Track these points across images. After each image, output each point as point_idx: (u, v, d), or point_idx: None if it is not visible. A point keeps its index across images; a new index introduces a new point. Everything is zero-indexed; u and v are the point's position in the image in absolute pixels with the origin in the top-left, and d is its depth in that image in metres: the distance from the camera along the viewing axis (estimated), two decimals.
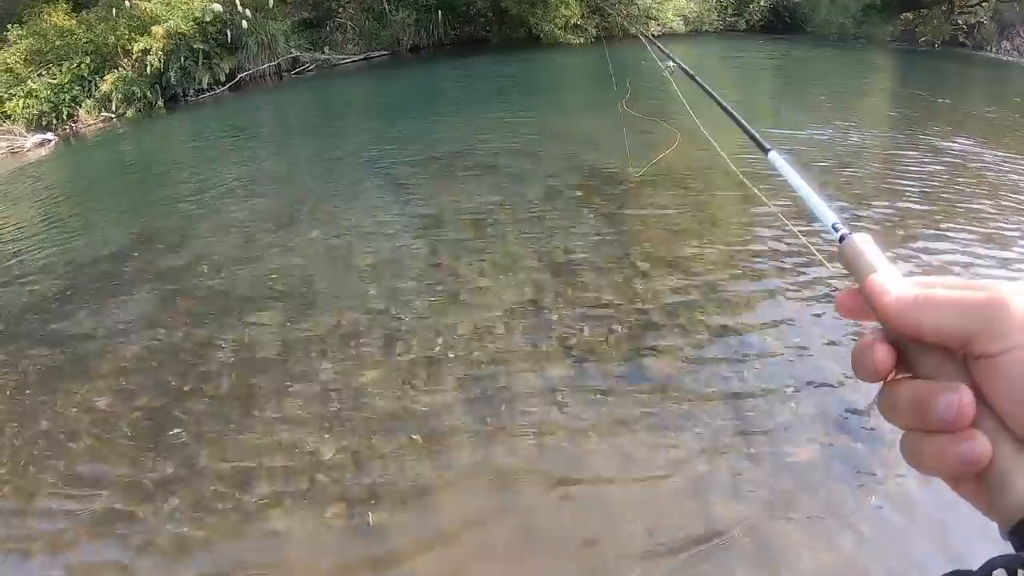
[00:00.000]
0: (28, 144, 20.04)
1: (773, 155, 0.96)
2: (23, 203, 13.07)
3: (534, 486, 3.35)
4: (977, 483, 0.44)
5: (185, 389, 4.71)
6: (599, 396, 3.89)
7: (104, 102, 21.46)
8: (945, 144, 8.50)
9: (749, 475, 3.23)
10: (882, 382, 0.50)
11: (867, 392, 3.65)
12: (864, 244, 0.56)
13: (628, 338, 4.35)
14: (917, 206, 6.34)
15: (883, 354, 0.49)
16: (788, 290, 4.70)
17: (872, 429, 3.41)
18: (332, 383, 4.43)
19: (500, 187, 7.61)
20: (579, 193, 7.04)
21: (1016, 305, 0.42)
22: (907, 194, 6.67)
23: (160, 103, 21.35)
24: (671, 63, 2.64)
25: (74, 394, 4.99)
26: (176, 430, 4.28)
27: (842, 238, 0.60)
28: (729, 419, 3.59)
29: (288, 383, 4.52)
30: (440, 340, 4.65)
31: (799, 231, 5.51)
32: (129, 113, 21.11)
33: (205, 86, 21.95)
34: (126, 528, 3.60)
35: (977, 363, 0.44)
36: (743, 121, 1.12)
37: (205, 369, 4.92)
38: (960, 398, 0.42)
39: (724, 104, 1.35)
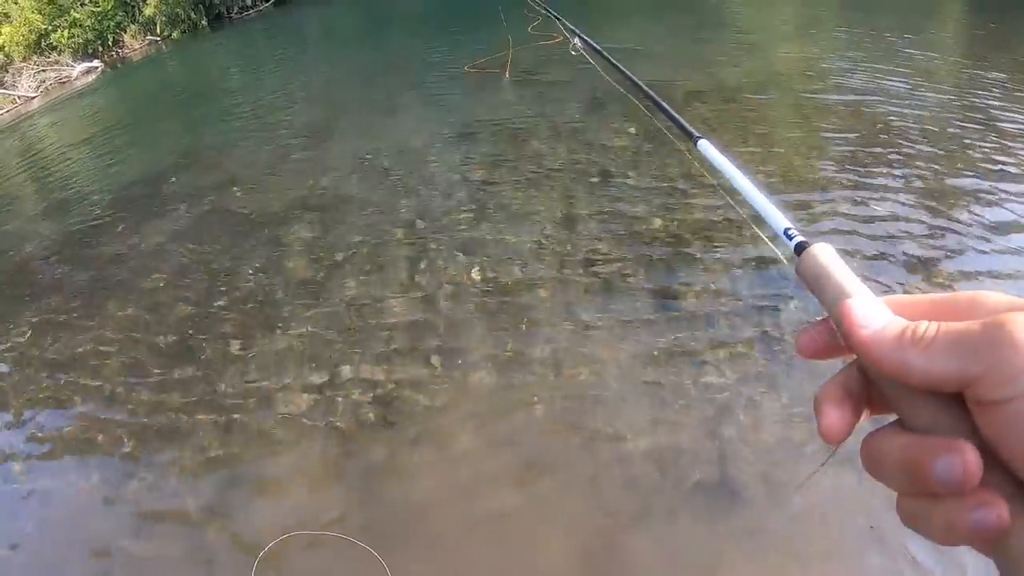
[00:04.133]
0: (75, 73, 20.21)
1: (704, 144, 0.77)
2: (70, 130, 13.26)
3: (547, 416, 3.22)
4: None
5: (212, 308, 4.71)
6: (624, 327, 3.67)
7: (148, 26, 21.45)
8: None
9: (770, 425, 2.99)
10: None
11: None
12: (828, 257, 0.46)
13: (661, 266, 4.09)
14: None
15: (834, 420, 0.41)
16: (839, 226, 4.26)
17: None
18: (356, 301, 4.35)
19: (540, 98, 7.29)
20: (622, 106, 6.67)
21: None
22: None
23: (204, 23, 21.23)
24: (576, 40, 2.23)
25: (111, 313, 5.07)
26: (203, 349, 4.28)
27: (799, 248, 0.48)
28: (759, 363, 3.31)
29: (312, 301, 4.47)
30: (466, 259, 4.50)
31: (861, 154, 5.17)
32: (174, 35, 21.09)
33: (249, 3, 21.71)
34: (152, 440, 3.66)
35: (981, 408, 0.36)
36: (668, 107, 0.94)
37: (233, 287, 4.91)
38: (964, 459, 0.35)
39: (646, 88, 1.11)
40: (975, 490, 0.35)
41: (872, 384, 0.43)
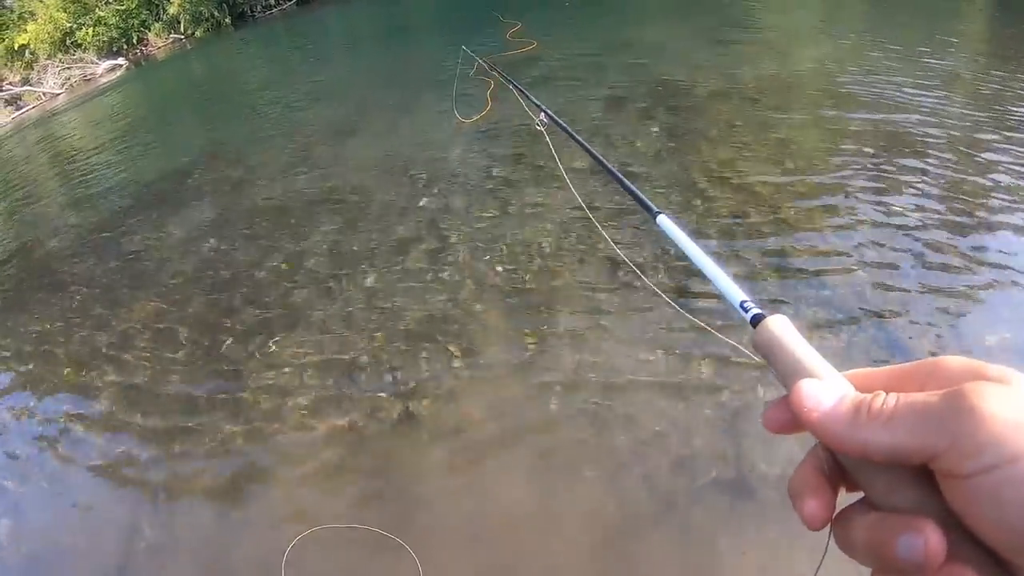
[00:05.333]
0: (100, 70, 20.50)
1: (663, 219, 0.80)
2: (95, 126, 13.43)
3: (566, 412, 3.21)
4: None
5: (235, 302, 4.76)
6: (644, 325, 3.65)
7: (172, 24, 21.69)
8: None
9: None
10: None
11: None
12: (783, 329, 0.45)
13: (679, 264, 4.07)
14: None
15: (816, 509, 0.40)
16: (859, 223, 4.21)
17: None
18: (377, 295, 4.38)
19: (562, 98, 7.29)
20: (643, 104, 6.67)
21: (988, 411, 0.33)
22: None
23: (228, 21, 21.46)
24: (542, 115, 2.17)
25: (134, 306, 5.12)
26: (225, 343, 4.32)
27: (755, 321, 0.48)
28: None
29: (334, 295, 4.50)
30: (487, 254, 4.52)
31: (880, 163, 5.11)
32: (198, 33, 21.32)
33: (273, 2, 21.91)
34: (175, 433, 3.69)
35: (947, 481, 0.35)
36: (628, 183, 0.97)
37: (255, 282, 4.96)
38: (926, 539, 0.34)
39: (608, 165, 1.14)
40: (944, 564, 0.34)
41: (840, 462, 0.42)
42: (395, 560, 2.64)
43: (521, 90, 2.63)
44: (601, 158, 1.18)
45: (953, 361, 0.39)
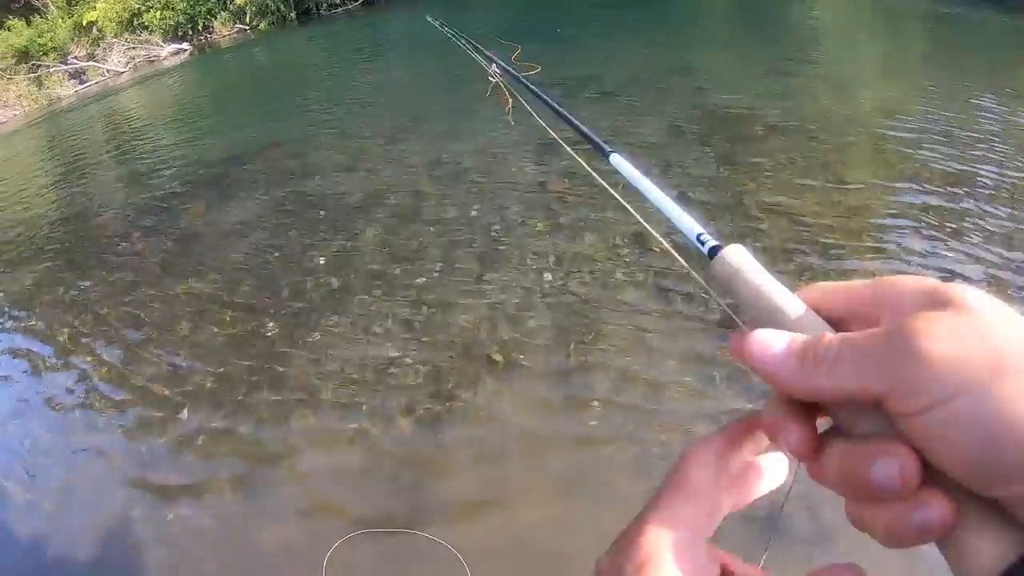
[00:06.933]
0: (164, 53, 21.02)
1: (615, 158, 0.83)
2: (155, 107, 13.75)
3: (604, 426, 3.18)
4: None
5: (282, 291, 4.81)
6: (690, 347, 3.60)
7: (238, 14, 22.13)
8: None
9: None
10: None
11: None
12: (741, 259, 0.45)
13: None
14: None
15: (801, 435, 0.39)
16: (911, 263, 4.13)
17: None
18: (423, 297, 4.39)
19: (618, 117, 7.27)
20: (700, 129, 6.63)
21: (926, 351, 0.32)
22: None
23: (293, 16, 21.83)
24: (494, 66, 2.22)
25: (179, 286, 5.24)
26: (268, 329, 4.37)
27: (712, 252, 0.47)
28: None
29: (380, 294, 4.53)
30: (536, 266, 4.50)
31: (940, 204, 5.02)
32: (262, 25, 21.73)
33: (338, 0, 22.22)
34: (212, 423, 3.72)
35: (900, 420, 0.34)
36: (579, 124, 1.01)
37: (303, 273, 5.02)
38: (900, 463, 0.34)
39: (559, 108, 1.18)
40: (918, 490, 0.33)
41: None
42: (441, 564, 2.63)
43: (471, 42, 2.96)
44: (547, 97, 1.29)
45: (909, 283, 0.37)
